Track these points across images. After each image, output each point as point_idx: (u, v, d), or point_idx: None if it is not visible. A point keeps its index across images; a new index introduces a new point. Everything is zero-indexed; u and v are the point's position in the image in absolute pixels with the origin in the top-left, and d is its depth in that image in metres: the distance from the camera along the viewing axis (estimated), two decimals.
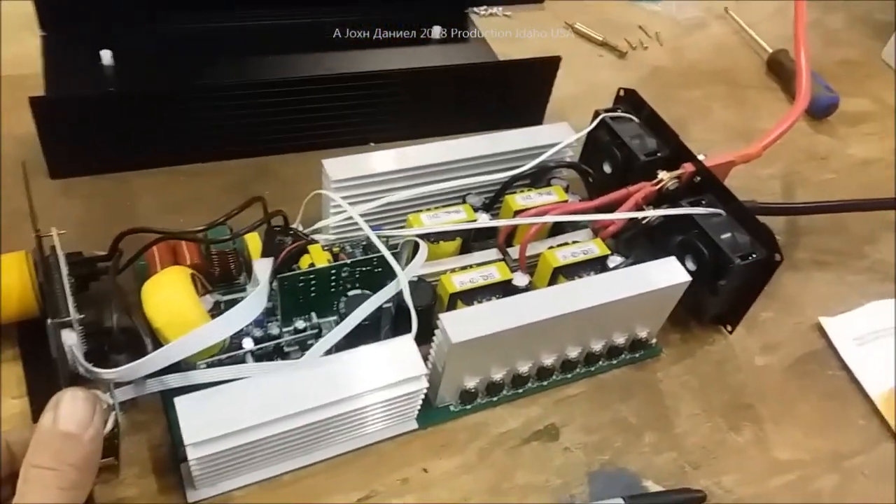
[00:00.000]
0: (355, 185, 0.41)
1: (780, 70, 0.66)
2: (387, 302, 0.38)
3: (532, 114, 0.56)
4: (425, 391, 0.35)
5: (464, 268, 0.40)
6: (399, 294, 0.37)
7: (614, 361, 0.42)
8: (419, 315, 0.36)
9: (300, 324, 0.38)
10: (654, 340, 0.43)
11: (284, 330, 0.38)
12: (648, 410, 0.41)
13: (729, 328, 0.45)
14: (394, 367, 0.34)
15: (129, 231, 0.37)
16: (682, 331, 0.45)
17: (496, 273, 0.39)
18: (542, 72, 0.53)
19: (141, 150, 0.47)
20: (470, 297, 0.38)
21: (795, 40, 0.53)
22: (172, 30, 0.55)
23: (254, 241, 0.40)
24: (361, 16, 0.58)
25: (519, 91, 0.54)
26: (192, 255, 0.39)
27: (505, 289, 0.39)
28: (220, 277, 0.40)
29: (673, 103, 0.62)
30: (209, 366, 0.35)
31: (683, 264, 0.42)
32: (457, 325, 0.34)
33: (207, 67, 0.53)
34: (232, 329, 0.34)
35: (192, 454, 0.30)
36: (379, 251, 0.38)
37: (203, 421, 0.31)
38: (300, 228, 0.41)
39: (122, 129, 0.46)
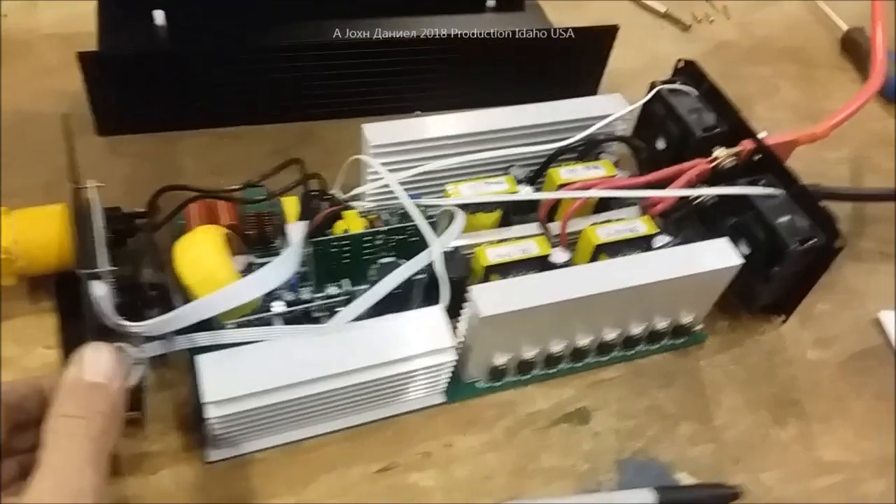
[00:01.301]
0: (395, 152, 0.40)
1: (854, 50, 0.61)
2: (420, 273, 0.37)
3: (586, 86, 0.54)
4: (453, 365, 0.34)
5: (501, 241, 0.38)
6: (433, 265, 0.36)
7: (655, 346, 0.40)
8: (452, 287, 0.35)
9: (332, 290, 0.38)
10: (699, 327, 0.41)
11: (316, 295, 0.38)
12: (688, 399, 0.39)
13: (782, 318, 0.43)
14: (421, 337, 0.33)
15: (167, 188, 0.37)
16: (731, 318, 0.43)
17: (534, 248, 0.38)
18: (597, 42, 0.51)
19: (187, 110, 0.47)
20: (505, 270, 0.37)
21: (872, 14, 0.49)
22: None
23: (291, 205, 0.40)
24: None
25: (573, 62, 0.52)
26: (229, 215, 0.39)
27: (542, 265, 0.38)
28: (256, 239, 0.40)
29: (737, 80, 0.58)
30: (238, 326, 0.35)
31: (736, 248, 0.40)
32: (487, 297, 0.33)
33: (257, 29, 0.52)
34: (261, 289, 0.33)
35: (211, 412, 0.30)
36: (408, 219, 0.37)
37: (224, 380, 0.31)
38: (339, 194, 0.40)
39: (169, 89, 0.46)
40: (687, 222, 0.42)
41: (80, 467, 0.25)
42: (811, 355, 0.42)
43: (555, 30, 0.54)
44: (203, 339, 0.34)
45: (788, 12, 0.67)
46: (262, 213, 0.40)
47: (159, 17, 0.52)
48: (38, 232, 0.35)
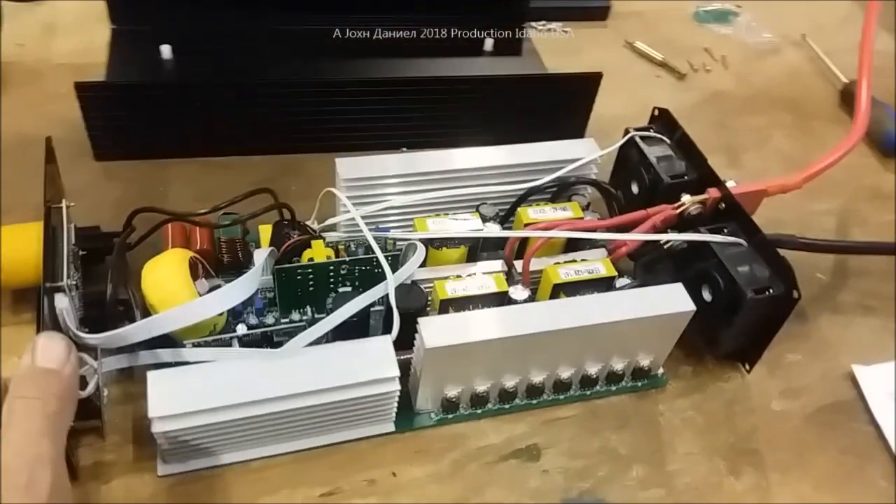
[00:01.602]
0: (365, 186, 0.42)
1: (852, 102, 0.61)
2: (379, 305, 0.38)
3: (572, 130, 0.55)
4: (398, 394, 0.35)
5: (461, 276, 0.39)
6: (388, 297, 0.37)
7: (613, 388, 0.40)
8: (409, 319, 0.36)
9: (296, 316, 0.39)
10: (660, 371, 0.41)
11: (281, 321, 0.39)
12: (642, 443, 0.39)
13: (747, 367, 0.42)
14: (367, 366, 0.34)
15: (141, 209, 0.38)
16: (696, 364, 0.43)
17: (492, 284, 0.39)
18: (581, 87, 0.52)
19: (179, 139, 0.49)
20: (461, 305, 0.38)
21: (859, 67, 0.50)
22: (231, 30, 0.57)
23: (266, 233, 0.41)
24: (416, 24, 0.59)
25: (558, 106, 0.53)
26: (203, 240, 0.41)
27: (500, 301, 0.38)
28: (228, 265, 0.41)
29: (729, 129, 0.59)
30: (196, 345, 0.36)
31: (700, 294, 0.40)
32: (434, 330, 0.34)
33: (255, 66, 0.55)
34: (217, 308, 0.35)
35: (156, 427, 0.31)
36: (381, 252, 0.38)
37: (172, 396, 0.32)
38: (314, 224, 0.42)
39: (163, 118, 0.48)
40: (656, 267, 0.43)
41: (37, 439, 0.27)
42: (776, 406, 0.42)
43: (540, 75, 0.56)
44: (166, 355, 0.35)
45: (789, 64, 0.68)
46: (235, 239, 0.41)
47: (166, 51, 0.54)
48: (18, 247, 0.37)
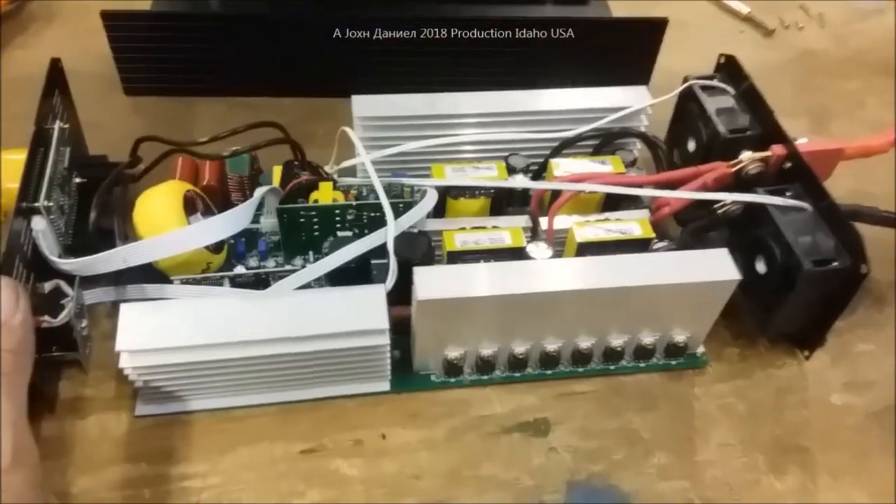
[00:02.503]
0: (383, 126, 0.38)
1: None
2: (383, 258, 0.35)
3: (633, 81, 0.49)
4: (389, 349, 0.32)
5: (476, 228, 0.35)
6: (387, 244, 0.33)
7: (642, 364, 0.36)
8: (410, 271, 0.33)
9: (298, 262, 0.37)
10: (699, 350, 0.36)
11: (285, 265, 0.37)
12: (669, 428, 0.34)
13: (805, 353, 0.37)
14: (355, 315, 0.31)
15: (145, 138, 0.37)
16: (745, 347, 0.37)
17: (507, 238, 0.35)
18: (643, 34, 0.47)
19: (210, 77, 0.47)
20: (471, 259, 0.34)
21: None
22: None
23: (279, 174, 0.39)
24: None
25: (619, 56, 0.48)
26: (212, 177, 0.39)
27: (516, 258, 0.34)
28: (236, 203, 0.39)
29: (816, 91, 0.53)
30: (184, 283, 0.34)
31: (754, 267, 0.35)
32: (430, 280, 0.31)
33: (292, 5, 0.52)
34: (199, 241, 0.33)
35: (123, 362, 0.30)
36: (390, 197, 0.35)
37: (143, 331, 0.30)
38: (332, 167, 0.39)
39: (192, 53, 0.46)
40: (710, 235, 0.38)
41: None
42: (836, 399, 0.36)
43: (596, 18, 0.50)
44: (151, 291, 0.33)
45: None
46: (243, 176, 0.39)
47: None
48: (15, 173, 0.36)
